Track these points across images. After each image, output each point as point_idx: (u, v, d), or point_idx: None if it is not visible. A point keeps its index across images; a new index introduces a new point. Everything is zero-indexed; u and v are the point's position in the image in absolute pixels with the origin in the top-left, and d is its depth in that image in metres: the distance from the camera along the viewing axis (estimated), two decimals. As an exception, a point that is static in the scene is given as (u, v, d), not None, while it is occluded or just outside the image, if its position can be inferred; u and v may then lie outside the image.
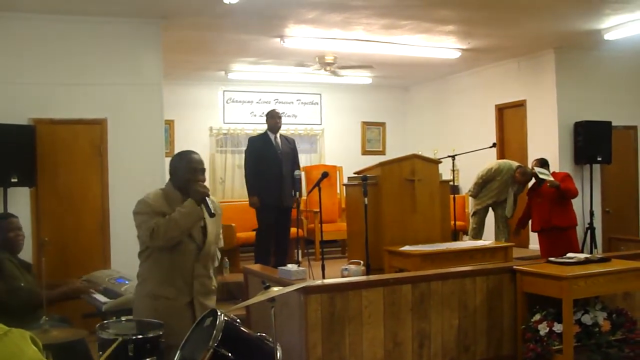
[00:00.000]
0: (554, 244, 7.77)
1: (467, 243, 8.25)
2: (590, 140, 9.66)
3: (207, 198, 3.91)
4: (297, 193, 7.80)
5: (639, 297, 6.44)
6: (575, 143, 9.82)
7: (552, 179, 7.84)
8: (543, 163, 8.16)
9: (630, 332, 6.02)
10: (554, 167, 9.01)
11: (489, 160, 9.51)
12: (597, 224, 9.79)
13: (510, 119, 10.97)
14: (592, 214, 9.61)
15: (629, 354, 5.93)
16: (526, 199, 8.56)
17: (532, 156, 10.10)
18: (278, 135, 8.29)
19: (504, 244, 7.89)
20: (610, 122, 9.84)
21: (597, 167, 9.98)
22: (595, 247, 9.47)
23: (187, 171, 4.02)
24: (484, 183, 8.80)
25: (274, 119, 8.31)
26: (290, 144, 8.45)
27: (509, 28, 8.55)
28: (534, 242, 9.70)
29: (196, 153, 4.13)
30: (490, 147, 9.52)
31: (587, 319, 5.88)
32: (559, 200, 7.89)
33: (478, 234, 8.85)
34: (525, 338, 5.89)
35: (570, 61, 9.91)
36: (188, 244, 3.98)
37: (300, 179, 7.89)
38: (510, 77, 10.81)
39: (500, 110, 11.10)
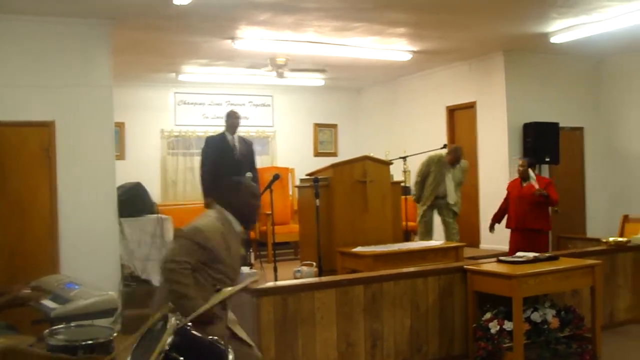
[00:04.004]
0: (524, 245, 7.65)
1: (418, 243, 8.31)
2: (539, 141, 9.81)
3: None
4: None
5: (587, 294, 6.56)
6: (525, 144, 9.96)
7: (537, 186, 7.80)
8: (531, 163, 8.17)
9: (578, 328, 6.15)
10: (504, 168, 9.14)
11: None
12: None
13: (460, 120, 11.09)
14: (541, 213, 9.74)
15: (577, 349, 6.06)
16: (496, 193, 8.58)
17: (483, 156, 10.26)
18: (236, 136, 8.24)
19: (455, 244, 7.98)
20: (557, 124, 10.03)
21: (545, 168, 10.14)
22: (545, 246, 9.61)
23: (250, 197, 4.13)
24: (422, 181, 8.90)
25: (232, 118, 8.27)
26: (247, 145, 8.39)
27: (459, 31, 8.64)
28: (484, 242, 9.85)
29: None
30: (441, 148, 9.60)
31: (536, 316, 5.98)
32: (537, 204, 7.89)
33: (425, 238, 8.89)
34: (476, 336, 5.97)
35: (518, 63, 10.07)
36: None
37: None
38: (460, 79, 10.93)
39: (451, 111, 11.21)
